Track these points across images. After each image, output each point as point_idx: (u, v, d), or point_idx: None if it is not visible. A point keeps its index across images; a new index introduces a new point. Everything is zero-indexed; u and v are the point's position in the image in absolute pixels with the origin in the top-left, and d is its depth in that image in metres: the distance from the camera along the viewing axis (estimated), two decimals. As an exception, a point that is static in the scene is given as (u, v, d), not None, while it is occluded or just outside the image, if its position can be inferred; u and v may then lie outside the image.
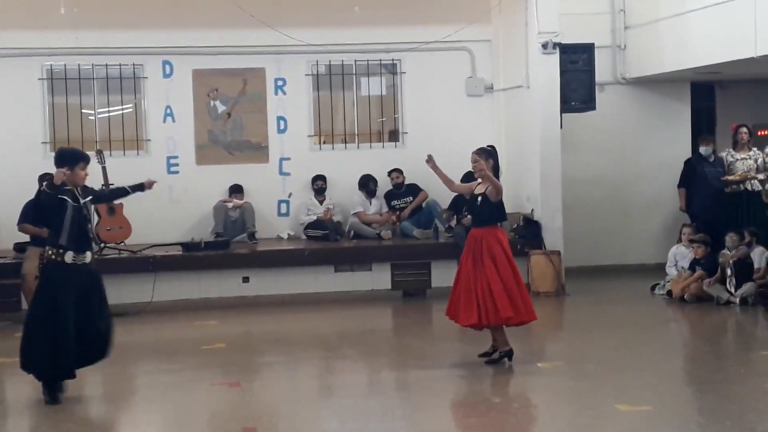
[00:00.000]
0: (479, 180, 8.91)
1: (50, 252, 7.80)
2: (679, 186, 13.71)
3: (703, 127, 15.07)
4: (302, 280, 12.65)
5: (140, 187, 8.67)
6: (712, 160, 13.41)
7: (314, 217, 13.59)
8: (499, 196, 8.79)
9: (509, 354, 8.81)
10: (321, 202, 13.78)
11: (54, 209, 7.74)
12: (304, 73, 14.19)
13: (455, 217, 13.25)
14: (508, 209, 13.45)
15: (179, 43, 13.66)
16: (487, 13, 14.21)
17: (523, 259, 12.85)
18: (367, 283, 12.82)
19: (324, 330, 11.00)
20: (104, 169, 12.41)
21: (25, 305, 11.58)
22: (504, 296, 8.61)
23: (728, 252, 11.78)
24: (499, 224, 9.01)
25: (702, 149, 13.54)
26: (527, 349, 9.86)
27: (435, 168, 9.13)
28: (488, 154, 8.92)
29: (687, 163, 13.81)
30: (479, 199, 8.86)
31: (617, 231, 14.68)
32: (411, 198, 13.81)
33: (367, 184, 13.81)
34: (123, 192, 8.75)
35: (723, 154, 13.27)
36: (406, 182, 13.89)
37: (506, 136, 14.13)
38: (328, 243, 13.13)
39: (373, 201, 13.84)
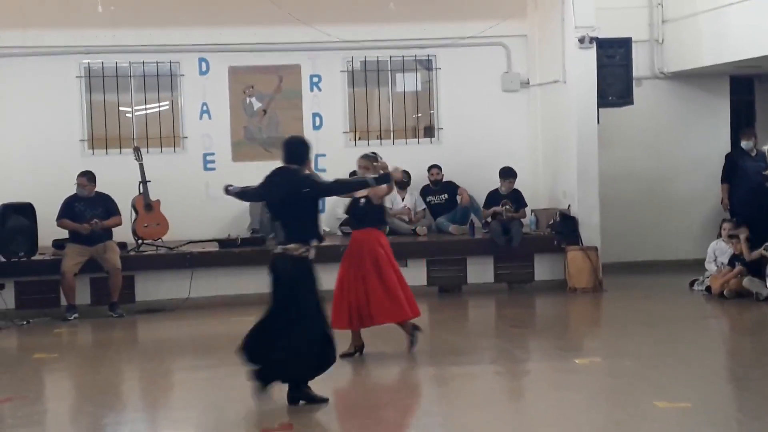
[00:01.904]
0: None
1: (303, 249, 7.35)
2: (722, 181, 13.58)
3: (742, 121, 14.93)
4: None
5: (386, 178, 7.82)
6: (753, 154, 13.28)
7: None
8: (380, 200, 8.93)
9: (361, 348, 9.06)
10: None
11: (315, 202, 7.50)
12: (340, 70, 14.20)
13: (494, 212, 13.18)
14: (544, 204, 13.57)
15: (215, 40, 13.72)
16: (522, 8, 14.16)
17: (560, 255, 12.81)
18: (402, 279, 12.78)
19: (360, 326, 10.98)
20: (141, 166, 12.50)
21: (63, 301, 11.72)
22: (381, 300, 8.76)
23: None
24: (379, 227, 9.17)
25: (743, 143, 13.40)
26: (564, 345, 9.82)
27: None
28: (374, 160, 8.96)
29: (728, 157, 13.67)
30: (362, 201, 8.94)
31: (655, 226, 14.56)
32: (446, 195, 13.77)
33: None
34: (362, 182, 8.04)
35: (766, 148, 13.12)
36: (443, 179, 13.86)
37: (542, 131, 14.07)
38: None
39: (406, 197, 13.80)
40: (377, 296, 8.79)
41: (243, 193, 8.05)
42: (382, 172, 8.31)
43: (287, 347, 7.27)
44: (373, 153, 9.13)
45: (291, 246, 7.31)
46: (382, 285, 8.80)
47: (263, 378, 7.37)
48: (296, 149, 7.55)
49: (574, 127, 12.94)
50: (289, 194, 7.35)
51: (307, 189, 7.38)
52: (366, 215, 8.99)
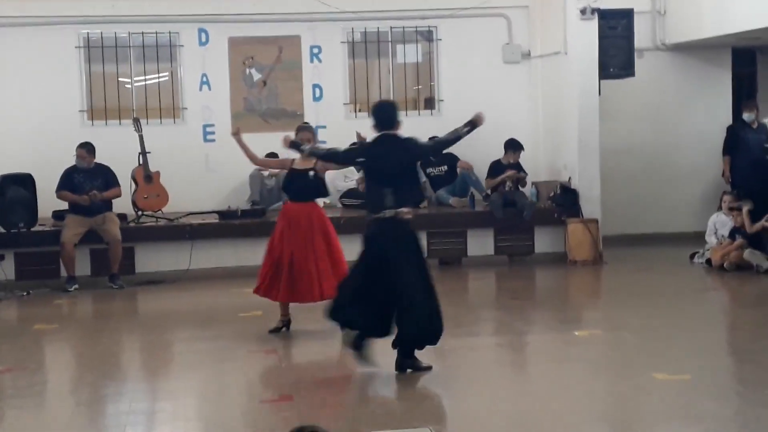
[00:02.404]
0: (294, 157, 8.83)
1: (410, 213, 7.48)
2: (723, 153, 13.55)
3: (743, 93, 14.86)
4: (338, 248, 12.64)
5: (471, 124, 7.83)
6: (755, 126, 13.24)
7: (352, 184, 13.57)
8: (324, 172, 8.87)
9: (289, 323, 8.99)
10: (358, 170, 13.74)
11: (417, 165, 7.91)
12: (340, 41, 14.13)
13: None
14: (545, 176, 13.56)
15: (215, 10, 13.64)
16: (524, -21, 14.08)
17: (561, 228, 12.81)
18: (403, 251, 12.78)
19: (360, 298, 10.98)
20: (141, 137, 12.47)
21: (63, 272, 11.72)
22: (329, 276, 8.61)
23: None
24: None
25: (745, 115, 13.36)
26: (564, 317, 9.84)
27: (240, 142, 9.03)
28: (310, 130, 9.07)
29: (729, 129, 13.63)
30: (311, 173, 8.75)
31: (656, 199, 14.52)
32: (446, 167, 13.73)
33: None
34: (456, 137, 7.98)
35: (767, 120, 13.08)
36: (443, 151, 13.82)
37: (543, 103, 14.02)
38: (364, 211, 13.07)
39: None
40: (326, 272, 8.62)
41: (333, 155, 8.08)
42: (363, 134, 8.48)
43: (408, 311, 7.34)
44: (307, 122, 9.07)
45: (402, 210, 7.40)
46: (330, 261, 8.67)
47: (362, 342, 7.47)
48: (390, 114, 7.64)
49: (575, 99, 12.90)
50: (401, 160, 7.49)
51: (417, 153, 7.72)
52: (313, 187, 8.83)
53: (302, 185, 8.80)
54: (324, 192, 9.01)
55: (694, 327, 8.99)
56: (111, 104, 13.66)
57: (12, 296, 11.22)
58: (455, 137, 7.91)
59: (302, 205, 8.79)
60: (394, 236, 7.40)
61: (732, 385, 7.14)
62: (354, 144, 9.18)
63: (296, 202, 8.83)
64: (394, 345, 7.48)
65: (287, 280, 8.64)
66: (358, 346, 7.48)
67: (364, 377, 7.69)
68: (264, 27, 13.86)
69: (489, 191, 13.18)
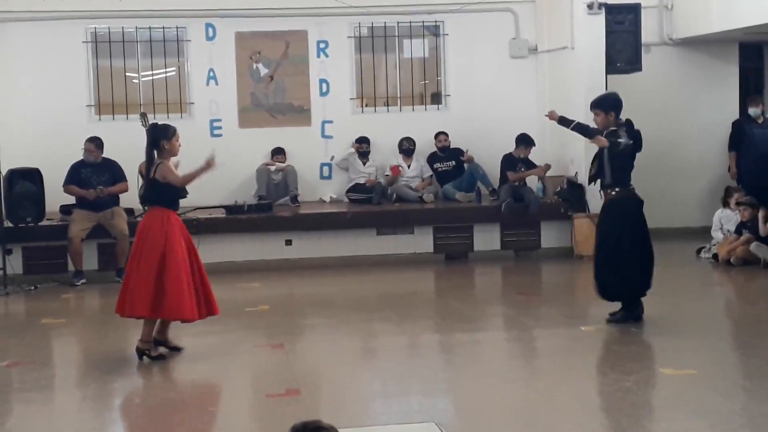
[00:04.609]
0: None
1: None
2: (729, 149, 13.52)
3: (750, 88, 14.82)
4: (344, 243, 12.68)
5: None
6: (760, 121, 13.21)
7: (360, 180, 13.61)
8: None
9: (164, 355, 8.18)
10: (364, 164, 13.78)
11: None
12: (347, 36, 14.13)
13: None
14: (552, 172, 13.52)
15: (222, 5, 13.66)
16: (531, -27, 14.07)
17: (567, 223, 12.80)
18: (409, 246, 12.82)
19: (366, 293, 11.02)
20: (148, 132, 12.44)
21: (70, 267, 11.75)
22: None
23: None
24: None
25: (751, 110, 13.34)
26: (570, 312, 9.83)
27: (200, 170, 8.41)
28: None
29: (735, 124, 13.60)
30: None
31: (662, 194, 14.45)
32: (454, 162, 13.75)
33: (402, 144, 13.78)
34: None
35: (773, 115, 13.10)
36: (450, 146, 13.84)
37: (550, 98, 14.00)
38: (370, 206, 13.14)
39: (413, 164, 13.80)
40: (207, 282, 8.26)
41: (615, 137, 8.85)
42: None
43: (646, 267, 8.65)
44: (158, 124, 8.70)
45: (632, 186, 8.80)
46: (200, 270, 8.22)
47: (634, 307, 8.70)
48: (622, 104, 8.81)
49: (582, 94, 12.82)
50: (640, 143, 8.85)
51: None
52: (179, 195, 8.34)
53: (174, 192, 8.30)
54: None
55: (700, 322, 8.99)
56: (118, 99, 13.69)
57: (20, 290, 11.26)
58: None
59: (174, 213, 8.23)
60: (636, 206, 8.91)
61: (738, 380, 7.12)
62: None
63: (174, 210, 8.24)
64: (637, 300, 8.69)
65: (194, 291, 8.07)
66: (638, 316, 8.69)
67: (369, 371, 7.71)
68: (271, 22, 13.88)
69: (494, 187, 13.20)
